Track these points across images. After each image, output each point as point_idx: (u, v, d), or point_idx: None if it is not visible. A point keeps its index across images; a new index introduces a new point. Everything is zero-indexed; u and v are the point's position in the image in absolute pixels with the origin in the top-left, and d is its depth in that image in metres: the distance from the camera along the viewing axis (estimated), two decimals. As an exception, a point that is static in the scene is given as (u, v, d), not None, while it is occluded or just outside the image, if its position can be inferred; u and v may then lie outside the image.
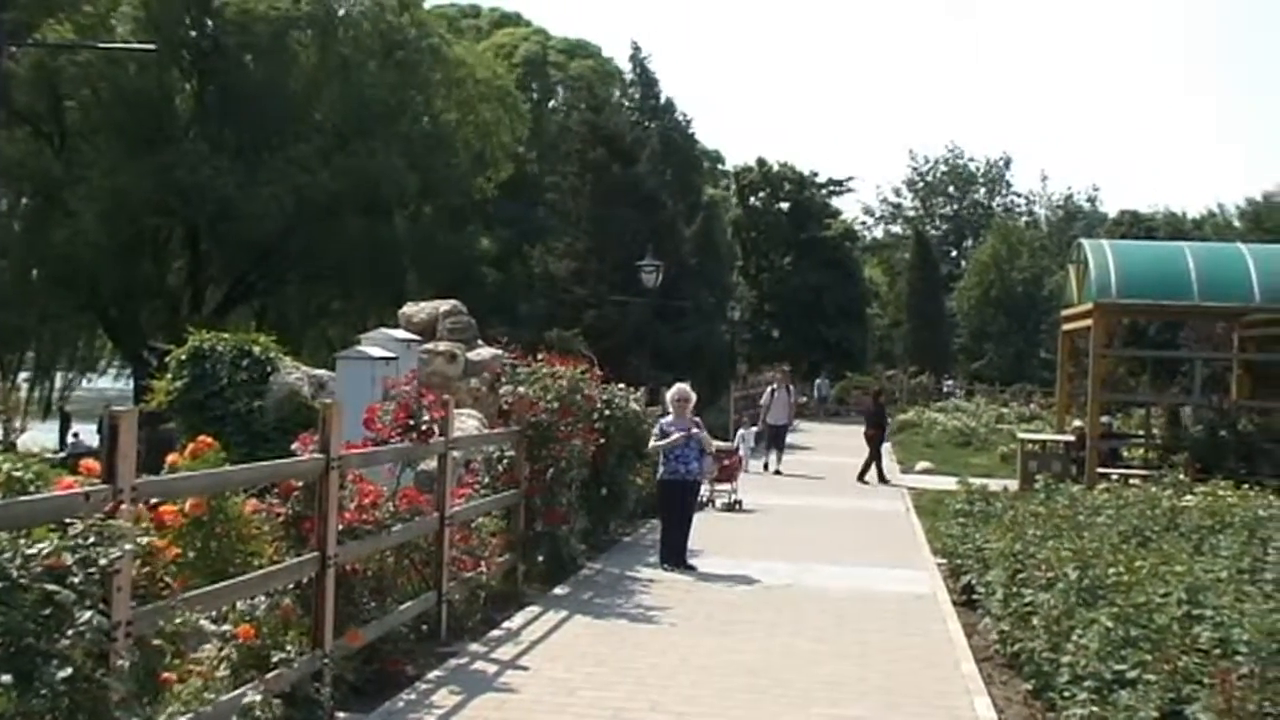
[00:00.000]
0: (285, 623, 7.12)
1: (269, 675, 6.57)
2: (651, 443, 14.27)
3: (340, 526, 7.60)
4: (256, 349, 16.03)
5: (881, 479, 25.07)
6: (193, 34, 42.59)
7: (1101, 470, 19.15)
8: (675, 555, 13.56)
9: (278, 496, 7.72)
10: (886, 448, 28.24)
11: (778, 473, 25.76)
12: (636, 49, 54.60)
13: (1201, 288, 20.19)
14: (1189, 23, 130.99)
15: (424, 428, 9.50)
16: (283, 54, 42.67)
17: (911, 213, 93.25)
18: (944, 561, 13.75)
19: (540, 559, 12.33)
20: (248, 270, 45.35)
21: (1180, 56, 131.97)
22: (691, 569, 13.39)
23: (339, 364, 14.15)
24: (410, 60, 44.76)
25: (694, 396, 14.48)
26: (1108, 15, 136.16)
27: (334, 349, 21.65)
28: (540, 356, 14.29)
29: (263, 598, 7.09)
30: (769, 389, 28.57)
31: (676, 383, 14.98)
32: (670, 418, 14.12)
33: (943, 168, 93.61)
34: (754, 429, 27.28)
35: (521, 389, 12.71)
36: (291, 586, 7.30)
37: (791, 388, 29.77)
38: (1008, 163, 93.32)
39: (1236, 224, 64.35)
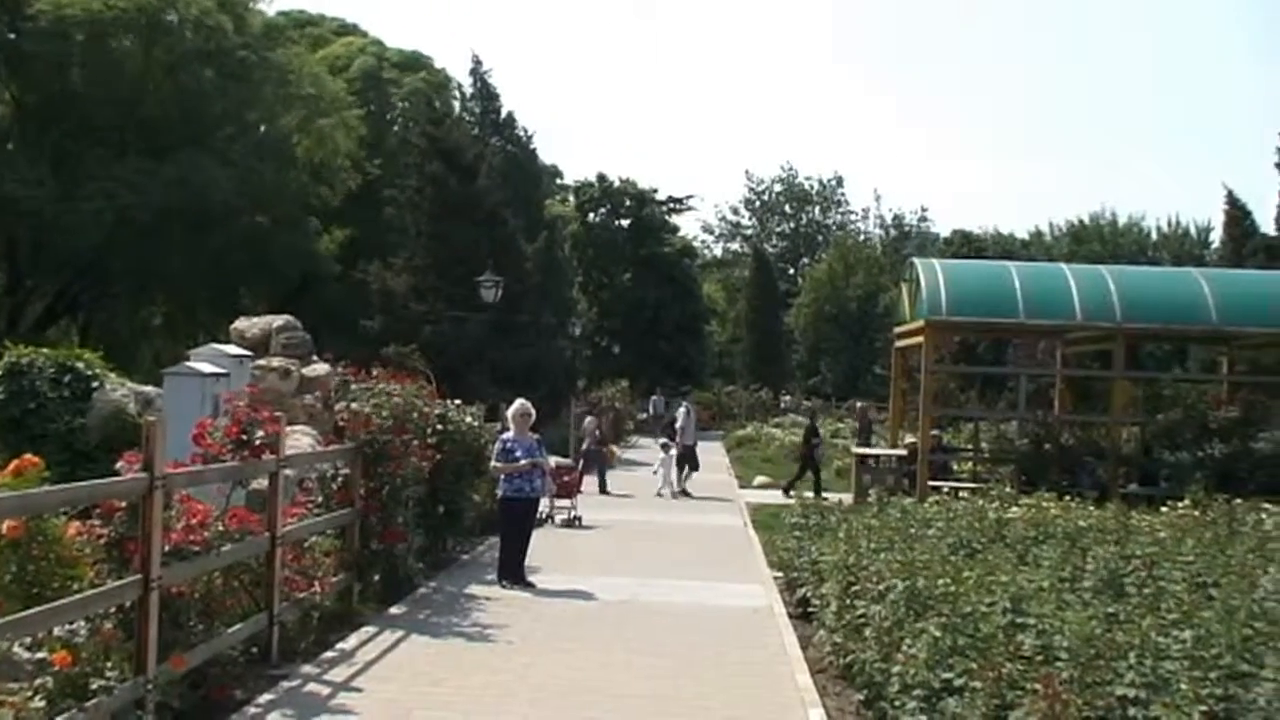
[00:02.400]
0: (106, 648, 6.87)
1: (88, 704, 6.33)
2: (493, 461, 14.16)
3: (166, 547, 7.37)
4: (80, 365, 15.51)
5: (817, 493, 23.62)
6: (11, 36, 40.75)
7: (932, 483, 19.62)
8: (514, 572, 13.49)
9: (99, 517, 7.46)
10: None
11: (686, 493, 25.76)
12: (478, 63, 54.07)
13: (1027, 306, 20.84)
14: (1023, 51, 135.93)
15: (256, 443, 9.29)
16: (104, 60, 40.83)
17: (749, 231, 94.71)
18: (780, 575, 13.93)
19: (376, 578, 12.15)
20: (70, 283, 43.69)
21: (1022, 88, 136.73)
22: (530, 586, 13.33)
23: (167, 380, 13.78)
24: (240, 69, 43.51)
25: (534, 412, 14.45)
26: (936, 45, 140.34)
27: (165, 365, 20.86)
28: (375, 373, 14.10)
29: (82, 623, 6.83)
30: (682, 409, 28.52)
31: (517, 399, 14.89)
32: (511, 433, 14.06)
33: (778, 187, 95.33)
34: (673, 451, 26.57)
35: (356, 406, 12.51)
36: (113, 610, 7.06)
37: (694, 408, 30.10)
38: (839, 181, 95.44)
39: (1063, 243, 66.50)
